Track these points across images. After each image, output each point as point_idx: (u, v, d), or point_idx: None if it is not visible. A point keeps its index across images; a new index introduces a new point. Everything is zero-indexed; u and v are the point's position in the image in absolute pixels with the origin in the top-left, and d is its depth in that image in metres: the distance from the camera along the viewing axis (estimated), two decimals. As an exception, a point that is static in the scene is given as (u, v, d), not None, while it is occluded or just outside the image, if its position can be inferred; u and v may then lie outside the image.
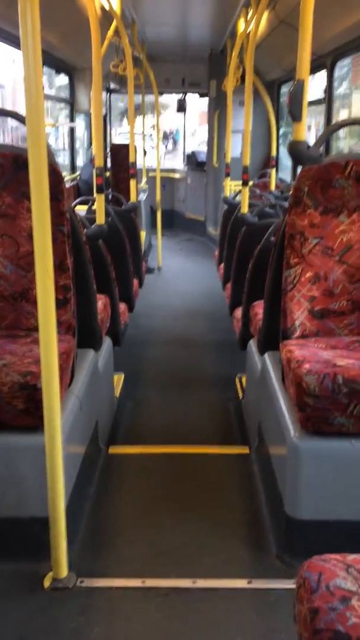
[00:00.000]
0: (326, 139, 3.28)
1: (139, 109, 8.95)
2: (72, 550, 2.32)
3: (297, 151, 2.62)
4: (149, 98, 9.37)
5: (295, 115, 2.57)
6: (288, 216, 2.64)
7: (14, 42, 4.60)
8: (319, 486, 2.27)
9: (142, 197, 7.93)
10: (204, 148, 11.22)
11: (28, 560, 2.28)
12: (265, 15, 5.56)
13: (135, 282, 4.65)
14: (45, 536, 2.16)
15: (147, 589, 2.20)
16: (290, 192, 2.69)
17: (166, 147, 8.78)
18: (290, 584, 2.19)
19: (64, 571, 2.20)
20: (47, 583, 2.19)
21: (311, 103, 6.35)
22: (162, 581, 2.23)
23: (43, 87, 5.06)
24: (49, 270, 1.93)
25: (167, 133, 15.01)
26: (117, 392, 3.86)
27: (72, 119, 7.23)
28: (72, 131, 7.33)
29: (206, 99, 9.92)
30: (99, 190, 3.62)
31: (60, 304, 2.56)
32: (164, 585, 2.21)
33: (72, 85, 7.06)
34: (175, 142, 19.23)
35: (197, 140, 13.62)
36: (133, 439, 3.38)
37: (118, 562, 2.33)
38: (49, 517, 2.13)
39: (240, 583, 2.23)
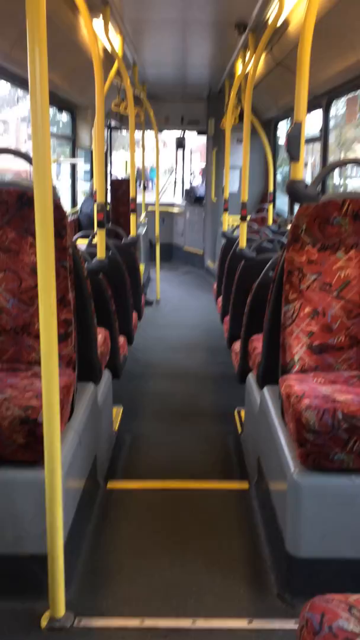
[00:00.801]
0: (324, 178, 3.36)
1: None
2: (70, 588, 2.29)
3: (295, 190, 2.69)
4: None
5: (293, 156, 2.64)
6: (286, 253, 2.68)
7: (19, 82, 4.73)
8: (320, 523, 2.25)
9: (142, 231, 8.04)
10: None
11: (25, 599, 2.24)
12: (263, 57, 5.74)
13: (135, 315, 4.67)
14: (42, 574, 2.13)
15: (146, 629, 2.15)
16: (288, 226, 2.74)
17: (138, 186, 8.63)
18: (291, 624, 2.15)
19: (61, 610, 2.16)
20: (44, 622, 2.15)
21: (308, 141, 6.51)
22: (161, 621, 2.19)
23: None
24: (52, 306, 1.95)
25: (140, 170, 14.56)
26: (116, 426, 3.84)
27: (73, 155, 7.37)
28: (73, 167, 7.47)
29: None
30: (100, 226, 3.68)
31: (62, 338, 2.57)
32: (163, 625, 2.17)
33: (74, 123, 7.23)
34: (148, 181, 18.58)
35: (173, 177, 13.65)
36: (131, 473, 3.35)
37: (116, 601, 2.29)
38: (46, 555, 2.11)
39: (241, 623, 2.19)
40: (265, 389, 2.92)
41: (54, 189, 2.62)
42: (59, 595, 2.14)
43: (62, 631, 2.12)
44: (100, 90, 3.63)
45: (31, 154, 1.89)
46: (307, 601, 1.29)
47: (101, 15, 4.51)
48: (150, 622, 2.18)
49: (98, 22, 4.56)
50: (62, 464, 2.13)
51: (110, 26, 4.82)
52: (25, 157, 2.63)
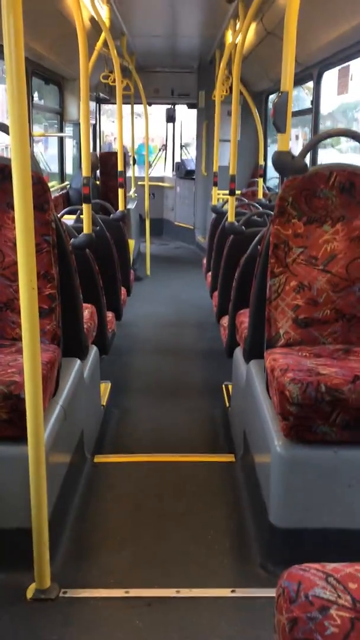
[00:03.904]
0: (311, 149, 3.32)
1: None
2: (55, 560, 2.31)
3: (282, 162, 2.64)
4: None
5: (280, 127, 2.59)
6: (272, 226, 2.66)
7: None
8: (303, 495, 2.27)
9: (131, 205, 7.96)
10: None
11: (10, 571, 2.26)
12: (253, 26, 5.61)
13: (124, 290, 4.65)
14: (28, 547, 2.15)
15: (131, 598, 2.19)
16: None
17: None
18: (273, 593, 2.18)
19: (46, 582, 2.19)
20: (29, 594, 2.17)
21: (299, 113, 6.42)
22: (145, 591, 2.22)
23: (33, 98, 5.01)
24: (32, 280, 1.93)
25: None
26: (104, 401, 3.85)
27: (61, 129, 7.24)
28: (61, 141, 7.34)
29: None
30: (86, 200, 3.63)
31: (45, 313, 2.56)
32: (147, 595, 2.20)
33: (61, 96, 7.09)
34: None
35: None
36: (119, 447, 3.37)
37: (101, 573, 2.32)
38: (31, 528, 2.12)
39: (224, 592, 2.22)
40: (251, 363, 2.92)
41: (36, 161, 2.57)
42: (44, 568, 2.16)
43: (48, 602, 2.15)
44: (84, 62, 3.55)
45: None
46: (285, 570, 1.30)
47: None
48: (135, 592, 2.21)
49: (83, -10, 4.44)
50: (46, 438, 2.13)
51: (96, -6, 4.69)
52: (2, 127, 2.56)
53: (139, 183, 9.62)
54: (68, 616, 2.09)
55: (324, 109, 7.36)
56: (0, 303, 2.65)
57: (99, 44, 5.55)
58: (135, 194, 9.19)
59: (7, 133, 1.88)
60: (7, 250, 2.63)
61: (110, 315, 4.02)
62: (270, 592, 2.16)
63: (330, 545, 2.30)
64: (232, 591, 2.22)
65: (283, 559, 2.30)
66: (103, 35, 5.18)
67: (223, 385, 4.12)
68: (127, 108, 8.53)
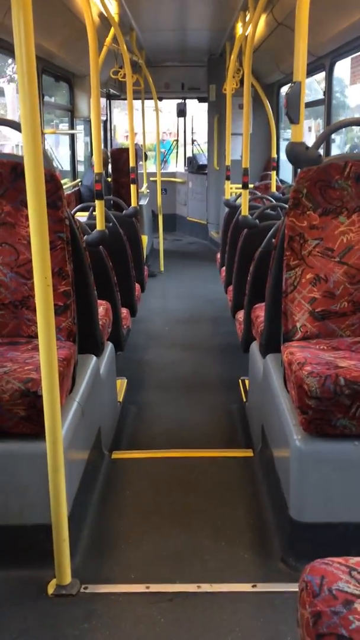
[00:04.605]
0: (325, 140, 3.28)
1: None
2: (76, 556, 2.32)
3: (295, 153, 2.62)
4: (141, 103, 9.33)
5: (293, 118, 2.57)
6: (287, 218, 2.63)
7: (10, 50, 4.62)
8: (323, 488, 2.26)
9: (144, 201, 7.95)
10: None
11: (31, 567, 2.27)
12: (263, 18, 5.57)
13: (137, 287, 4.65)
14: (48, 543, 2.16)
15: (152, 594, 2.19)
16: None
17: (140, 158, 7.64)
18: (295, 588, 2.17)
19: (67, 578, 2.20)
20: (50, 590, 2.19)
21: (311, 104, 6.36)
22: (166, 586, 2.22)
23: (43, 95, 5.03)
24: (47, 278, 1.93)
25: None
26: (121, 397, 3.86)
27: (71, 126, 7.25)
28: (72, 138, 7.36)
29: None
30: (98, 197, 3.63)
31: (61, 310, 2.56)
32: (168, 590, 2.20)
33: (71, 93, 7.09)
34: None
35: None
36: (136, 443, 3.37)
37: (122, 568, 2.32)
38: (51, 524, 2.13)
39: (245, 587, 2.22)
40: (268, 357, 2.91)
41: (49, 159, 2.56)
42: (64, 563, 2.17)
43: (69, 597, 2.16)
44: (95, 58, 3.54)
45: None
46: (308, 565, 1.29)
47: None
48: (155, 587, 2.21)
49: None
50: (64, 435, 2.14)
51: (105, -11, 4.67)
52: (14, 125, 2.56)
53: (151, 179, 9.60)
54: (89, 612, 2.10)
55: (352, 101, 7.25)
56: (15, 301, 2.66)
57: (109, 39, 5.54)
58: (147, 190, 9.18)
59: (20, 131, 1.88)
60: (21, 248, 2.64)
61: (124, 311, 4.02)
62: (292, 587, 2.17)
63: (352, 539, 2.28)
64: (253, 586, 2.22)
65: (304, 553, 2.29)
66: (112, 30, 5.17)
67: (240, 380, 4.10)
68: (137, 104, 8.52)
